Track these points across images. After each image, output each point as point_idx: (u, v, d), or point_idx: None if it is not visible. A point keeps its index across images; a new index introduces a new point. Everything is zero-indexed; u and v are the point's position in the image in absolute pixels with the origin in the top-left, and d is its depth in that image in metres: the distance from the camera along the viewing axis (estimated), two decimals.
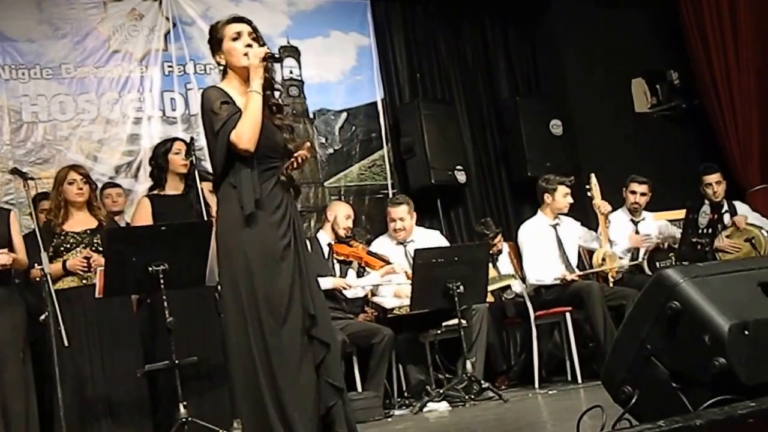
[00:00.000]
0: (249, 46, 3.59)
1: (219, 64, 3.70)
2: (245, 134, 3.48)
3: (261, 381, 3.45)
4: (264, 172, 3.57)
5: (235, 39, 3.62)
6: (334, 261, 6.22)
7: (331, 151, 7.80)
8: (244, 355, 3.48)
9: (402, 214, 6.50)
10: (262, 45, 3.64)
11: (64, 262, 4.99)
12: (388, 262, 6.27)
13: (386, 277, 6.25)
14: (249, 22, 3.68)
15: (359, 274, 6.31)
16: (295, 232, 3.61)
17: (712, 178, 7.13)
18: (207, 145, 3.67)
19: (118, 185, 6.46)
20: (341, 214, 6.33)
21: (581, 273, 6.59)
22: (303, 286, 3.56)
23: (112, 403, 4.92)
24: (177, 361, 4.49)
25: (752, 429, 2.17)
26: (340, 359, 3.73)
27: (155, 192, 5.24)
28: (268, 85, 3.64)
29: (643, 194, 6.96)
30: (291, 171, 3.67)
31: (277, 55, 3.57)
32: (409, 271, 6.07)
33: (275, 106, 3.68)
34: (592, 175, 6.72)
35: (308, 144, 3.76)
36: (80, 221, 5.15)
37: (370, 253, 6.33)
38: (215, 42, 3.68)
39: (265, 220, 3.52)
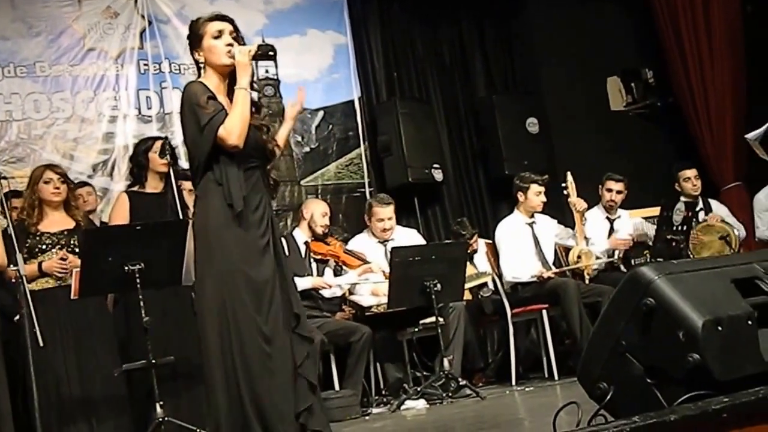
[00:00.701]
0: (230, 45, 3.59)
1: (197, 61, 3.69)
2: (235, 130, 3.47)
3: (240, 381, 3.45)
4: (246, 170, 3.57)
5: (216, 37, 3.61)
6: (311, 259, 6.20)
7: (307, 149, 7.79)
8: (226, 354, 3.48)
9: (390, 214, 6.53)
10: (242, 44, 3.64)
11: (39, 264, 4.93)
12: (365, 261, 6.27)
13: (364, 275, 6.25)
14: (231, 21, 3.68)
15: (336, 273, 6.30)
16: (273, 232, 3.62)
17: (691, 172, 7.22)
18: (185, 140, 3.66)
19: (88, 184, 6.41)
20: (318, 211, 6.31)
21: (557, 270, 6.62)
22: (283, 285, 3.56)
23: (89, 403, 4.88)
24: (154, 361, 4.47)
25: (725, 424, 2.19)
26: (318, 358, 3.74)
27: (134, 189, 5.21)
28: (249, 84, 3.65)
29: (619, 192, 7.00)
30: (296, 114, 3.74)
31: (271, 53, 3.56)
32: (387, 270, 6.08)
33: (254, 105, 3.68)
34: (569, 173, 6.75)
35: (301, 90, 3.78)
36: (56, 221, 5.08)
37: (347, 251, 6.32)
38: (195, 39, 3.67)
39: (247, 219, 3.53)
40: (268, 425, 3.41)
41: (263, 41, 7.64)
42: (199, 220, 3.62)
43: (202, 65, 3.68)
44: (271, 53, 3.61)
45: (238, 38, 3.65)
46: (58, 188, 5.07)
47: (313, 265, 6.19)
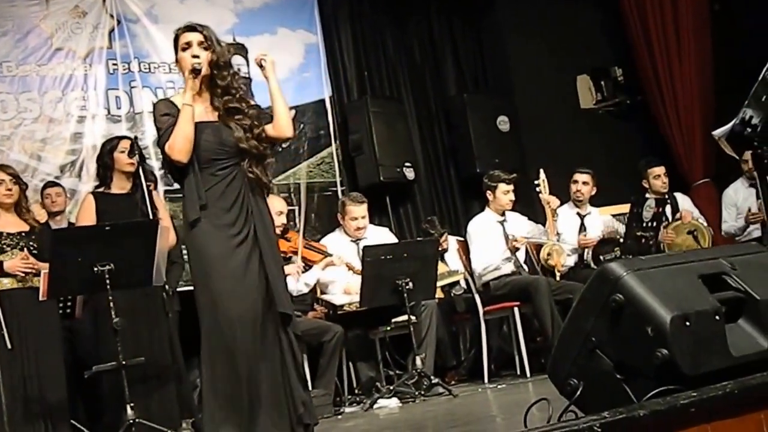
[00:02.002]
0: (196, 56, 3.63)
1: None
2: (175, 146, 3.58)
3: (216, 380, 3.48)
4: (215, 174, 3.59)
5: (185, 49, 3.67)
6: None
7: (279, 148, 7.73)
8: (204, 352, 3.51)
9: (364, 213, 6.52)
10: (214, 52, 3.67)
11: (0, 263, 4.89)
12: (326, 254, 6.25)
13: (328, 269, 6.23)
14: (201, 30, 3.70)
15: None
16: (255, 229, 3.61)
17: (660, 170, 7.29)
18: None
19: (58, 184, 6.34)
20: (272, 212, 6.20)
21: (527, 239, 6.63)
22: (270, 281, 3.56)
23: (44, 405, 4.87)
24: (124, 362, 4.44)
25: (694, 419, 2.21)
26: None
27: (100, 190, 5.16)
28: (225, 89, 3.70)
29: (585, 183, 7.04)
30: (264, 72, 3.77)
31: (198, 68, 3.61)
32: (352, 263, 6.12)
33: (233, 108, 3.70)
34: (541, 171, 6.77)
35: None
36: (9, 223, 5.03)
37: (307, 246, 6.29)
38: (174, 50, 3.77)
39: (216, 221, 3.56)
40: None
41: (234, 40, 7.62)
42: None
43: (180, 72, 3.79)
44: (198, 68, 3.62)
45: (210, 47, 3.68)
46: (10, 189, 5.03)
47: None
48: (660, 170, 7.28)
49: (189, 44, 3.67)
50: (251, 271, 3.56)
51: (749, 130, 3.31)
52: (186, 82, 3.64)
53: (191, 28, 3.73)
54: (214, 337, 3.51)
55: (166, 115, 3.65)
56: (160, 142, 3.64)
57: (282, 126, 3.77)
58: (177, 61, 3.75)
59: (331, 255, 6.25)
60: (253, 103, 3.81)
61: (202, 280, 3.56)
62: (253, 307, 3.53)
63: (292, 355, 3.58)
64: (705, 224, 7.15)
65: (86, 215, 4.99)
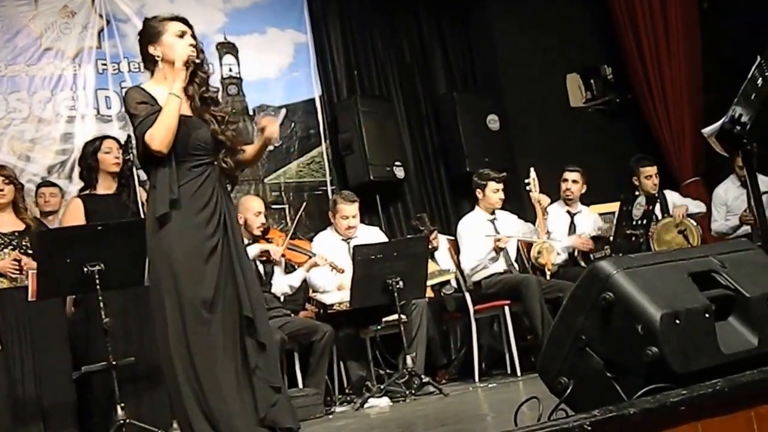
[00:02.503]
0: (193, 45, 3.62)
1: (153, 56, 3.68)
2: (157, 136, 3.49)
3: (182, 384, 3.44)
4: (190, 170, 3.55)
5: (180, 36, 3.64)
6: (257, 261, 6.00)
7: (270, 148, 7.73)
8: (168, 356, 3.47)
9: (355, 211, 6.50)
10: (200, 51, 3.68)
11: None
12: (310, 254, 6.24)
13: (314, 271, 6.22)
14: (191, 27, 3.70)
15: (287, 271, 6.26)
16: (226, 231, 3.58)
17: (652, 170, 7.28)
18: None
19: (53, 184, 6.33)
20: (250, 213, 6.09)
21: (511, 236, 6.63)
22: (238, 285, 3.53)
23: (43, 406, 4.85)
24: (114, 362, 4.43)
25: (683, 417, 2.21)
26: (277, 357, 3.73)
27: (87, 192, 5.12)
28: (202, 81, 3.67)
29: (574, 181, 7.04)
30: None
31: (197, 61, 3.59)
32: (335, 262, 6.14)
33: (210, 99, 3.68)
34: (532, 169, 6.78)
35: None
36: (5, 222, 5.02)
37: (290, 246, 6.27)
38: (153, 34, 3.67)
39: (189, 221, 3.50)
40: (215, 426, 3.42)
41: (225, 39, 7.63)
42: (146, 224, 3.64)
43: (159, 58, 3.67)
44: (197, 61, 3.61)
45: (196, 44, 3.67)
46: (2, 190, 5.01)
47: (260, 267, 6.03)
48: (652, 170, 7.27)
49: (184, 33, 3.64)
50: (227, 273, 3.54)
51: (738, 127, 3.32)
52: (176, 72, 3.56)
53: (183, 19, 3.71)
54: (180, 341, 3.46)
55: (143, 103, 3.57)
56: (138, 131, 3.54)
57: (249, 158, 3.84)
58: (157, 44, 3.64)
59: (314, 255, 6.24)
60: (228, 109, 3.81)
61: (169, 281, 3.47)
62: (224, 310, 3.50)
63: (259, 357, 3.54)
64: (700, 208, 7.18)
65: (75, 219, 4.96)
